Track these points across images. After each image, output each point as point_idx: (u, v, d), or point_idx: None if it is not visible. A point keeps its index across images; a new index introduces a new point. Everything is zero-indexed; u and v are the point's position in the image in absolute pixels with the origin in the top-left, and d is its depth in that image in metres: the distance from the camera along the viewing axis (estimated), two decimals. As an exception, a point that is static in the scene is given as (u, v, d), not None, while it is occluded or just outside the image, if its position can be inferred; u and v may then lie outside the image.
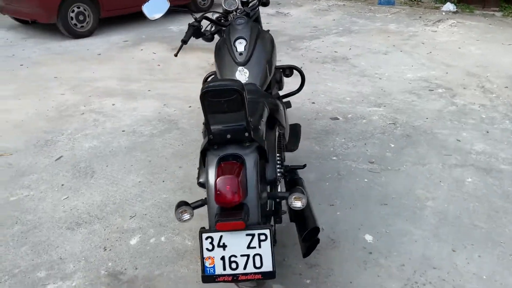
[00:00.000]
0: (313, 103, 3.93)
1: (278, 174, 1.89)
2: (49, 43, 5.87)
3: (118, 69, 4.88)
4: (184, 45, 2.31)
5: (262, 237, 1.46)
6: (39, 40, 6.02)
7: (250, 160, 1.53)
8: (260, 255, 1.46)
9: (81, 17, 6.09)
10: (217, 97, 1.44)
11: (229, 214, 1.43)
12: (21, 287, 1.92)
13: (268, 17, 7.46)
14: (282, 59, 5.22)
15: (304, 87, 2.83)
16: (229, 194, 1.39)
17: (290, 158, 2.82)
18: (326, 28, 6.71)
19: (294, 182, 2.08)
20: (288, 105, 2.97)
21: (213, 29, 2.49)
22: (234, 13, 2.49)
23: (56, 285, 1.93)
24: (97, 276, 1.98)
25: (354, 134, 3.34)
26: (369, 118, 3.61)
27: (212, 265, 1.45)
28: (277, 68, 2.66)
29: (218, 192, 1.40)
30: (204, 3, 7.98)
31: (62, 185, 2.68)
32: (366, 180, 2.75)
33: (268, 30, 2.84)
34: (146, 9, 2.17)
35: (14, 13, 6.19)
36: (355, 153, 3.06)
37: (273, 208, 1.77)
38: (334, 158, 3.01)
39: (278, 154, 1.93)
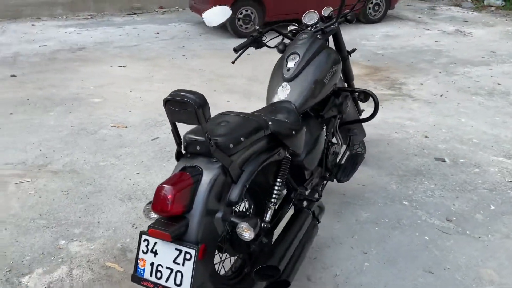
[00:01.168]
0: (426, 137, 3.43)
1: (272, 200, 1.79)
2: (215, 40, 6.59)
3: (251, 69, 5.14)
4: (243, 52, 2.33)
5: (187, 256, 1.42)
6: (210, 36, 6.81)
7: (207, 176, 1.49)
8: (182, 273, 1.42)
9: (247, 20, 6.62)
10: (176, 107, 1.45)
11: (163, 222, 1.44)
12: (57, 236, 2.30)
13: (442, 35, 6.74)
14: (427, 82, 4.69)
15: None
16: (160, 203, 1.40)
17: (348, 187, 2.57)
18: (506, 55, 5.68)
19: (298, 212, 1.93)
20: (360, 132, 2.69)
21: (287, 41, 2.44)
22: (310, 28, 2.38)
23: (80, 244, 2.25)
24: (112, 246, 2.23)
25: (451, 183, 2.80)
26: (484, 169, 2.97)
27: (143, 267, 1.49)
28: (343, 90, 2.45)
29: (154, 199, 1.42)
30: (375, 15, 7.70)
31: (142, 162, 3.06)
32: (426, 238, 2.30)
33: (353, 50, 2.63)
34: (206, 15, 2.27)
35: (197, 11, 7.15)
36: (436, 205, 2.58)
37: (229, 232, 1.67)
38: (406, 203, 2.60)
39: (279, 180, 1.82)
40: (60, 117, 3.79)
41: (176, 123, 1.52)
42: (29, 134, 3.44)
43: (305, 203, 2.05)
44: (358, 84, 4.65)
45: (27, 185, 2.75)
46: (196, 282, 1.44)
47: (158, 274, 1.45)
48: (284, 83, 2.13)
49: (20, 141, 3.33)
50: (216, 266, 1.84)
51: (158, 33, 6.84)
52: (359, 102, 2.74)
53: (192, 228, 1.45)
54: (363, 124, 2.81)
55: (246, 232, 1.47)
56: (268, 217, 1.80)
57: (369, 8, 7.60)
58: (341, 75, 2.69)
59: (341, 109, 2.34)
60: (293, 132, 1.85)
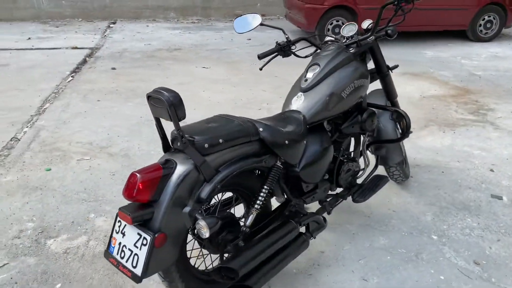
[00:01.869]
0: (492, 170, 3.07)
1: (255, 206, 1.81)
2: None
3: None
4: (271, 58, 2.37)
5: (144, 241, 1.52)
6: (298, 46, 6.87)
7: (179, 170, 1.57)
8: (138, 257, 1.53)
9: (336, 30, 6.56)
10: (155, 103, 1.56)
11: (132, 207, 1.56)
12: (90, 210, 2.59)
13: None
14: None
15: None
16: (128, 190, 1.52)
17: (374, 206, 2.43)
18: None
19: (283, 223, 1.91)
20: (394, 154, 2.51)
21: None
22: (345, 40, 2.33)
23: (105, 219, 2.50)
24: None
25: (498, 224, 2.48)
26: (549, 215, 2.56)
27: (114, 246, 1.63)
28: (373, 106, 2.34)
29: (125, 185, 1.55)
30: (486, 33, 7.00)
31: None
32: (442, 277, 2.08)
33: (395, 66, 2.49)
34: (236, 22, 2.35)
35: (291, 20, 7.27)
36: (469, 244, 2.31)
37: (191, 227, 1.72)
38: (434, 237, 2.38)
39: (265, 187, 1.83)
40: (136, 108, 4.20)
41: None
42: (105, 119, 3.90)
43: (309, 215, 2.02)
44: (438, 106, 4.32)
45: (85, 163, 3.13)
46: (152, 268, 1.54)
47: (122, 254, 1.58)
48: (300, 93, 2.12)
49: (96, 124, 3.79)
50: (199, 261, 1.93)
51: (250, 39, 7.12)
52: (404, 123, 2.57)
53: (156, 217, 1.54)
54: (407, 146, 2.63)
55: (202, 230, 1.52)
56: (249, 221, 1.82)
57: (480, 25, 6.95)
58: (384, 92, 2.57)
59: (365, 126, 2.23)
60: (286, 141, 1.84)
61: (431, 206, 2.66)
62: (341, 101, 2.10)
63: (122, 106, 4.23)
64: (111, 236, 1.65)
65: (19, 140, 3.48)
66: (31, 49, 6.41)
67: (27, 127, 3.73)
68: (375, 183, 2.40)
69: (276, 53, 2.36)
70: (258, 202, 1.83)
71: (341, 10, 6.52)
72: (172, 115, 1.50)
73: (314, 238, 2.08)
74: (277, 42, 2.35)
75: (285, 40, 2.36)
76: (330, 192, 2.28)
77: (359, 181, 2.42)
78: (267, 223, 1.95)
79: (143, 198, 1.53)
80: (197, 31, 7.88)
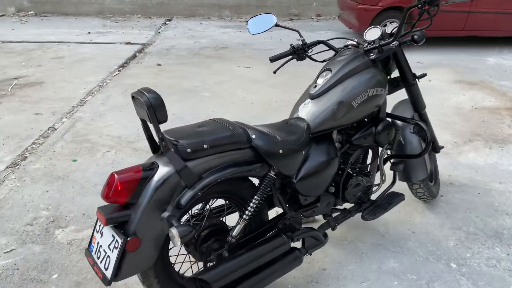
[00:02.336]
0: (537, 196, 2.73)
1: (244, 217, 1.73)
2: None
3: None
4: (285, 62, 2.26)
5: (116, 244, 1.49)
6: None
7: (159, 174, 1.53)
8: (110, 259, 1.50)
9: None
10: (138, 103, 1.52)
11: (110, 208, 1.53)
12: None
13: None
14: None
15: None
16: (105, 190, 1.50)
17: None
18: None
19: (273, 236, 1.81)
20: (417, 170, 2.30)
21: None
22: (366, 44, 2.17)
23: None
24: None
25: (533, 258, 2.19)
26: None
27: (93, 245, 1.63)
28: (392, 117, 2.16)
29: (104, 185, 1.53)
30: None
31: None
32: (452, 313, 1.87)
33: (422, 75, 2.29)
34: (250, 23, 2.27)
35: (343, 21, 7.03)
36: (492, 278, 2.06)
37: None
38: (453, 265, 2.15)
39: (256, 198, 1.74)
40: (170, 104, 4.23)
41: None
42: (138, 115, 3.98)
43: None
44: (490, 119, 3.95)
45: (110, 156, 3.21)
46: (124, 272, 1.52)
47: (98, 254, 1.57)
48: (308, 100, 2.01)
49: (128, 119, 3.88)
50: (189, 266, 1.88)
51: (302, 38, 6.97)
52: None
53: (133, 220, 1.52)
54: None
55: (174, 239, 1.46)
56: (235, 232, 1.75)
57: None
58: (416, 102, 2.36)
59: (379, 139, 2.06)
60: (280, 151, 1.73)
61: (457, 231, 2.41)
62: (351, 110, 1.95)
63: (158, 102, 4.30)
64: (92, 235, 1.64)
65: (56, 129, 3.65)
66: (88, 43, 6.74)
67: (66, 117, 3.91)
68: (389, 200, 2.22)
69: (291, 57, 2.25)
70: (247, 212, 1.75)
71: (396, 12, 6.18)
72: (151, 117, 1.46)
73: (310, 254, 1.95)
74: (291, 44, 2.24)
75: (301, 42, 2.25)
76: (338, 207, 2.14)
77: (374, 197, 2.25)
78: (257, 234, 1.86)
79: (120, 200, 1.51)
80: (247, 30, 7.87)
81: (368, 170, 2.17)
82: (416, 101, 2.36)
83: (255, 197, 1.75)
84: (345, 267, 2.14)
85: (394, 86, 2.28)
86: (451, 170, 3.06)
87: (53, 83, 4.82)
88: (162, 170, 1.55)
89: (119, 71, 5.33)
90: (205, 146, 1.58)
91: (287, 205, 1.89)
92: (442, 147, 2.67)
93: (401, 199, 2.25)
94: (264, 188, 1.76)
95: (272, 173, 1.77)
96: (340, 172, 2.04)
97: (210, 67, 5.54)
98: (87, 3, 9.05)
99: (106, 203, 1.54)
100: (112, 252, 1.50)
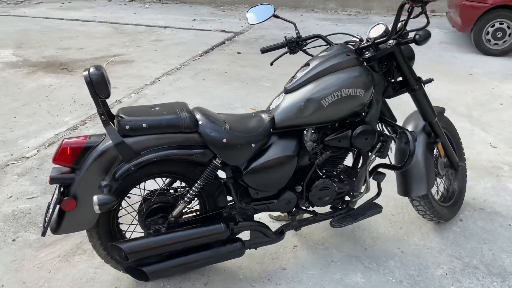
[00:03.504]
0: None
1: (185, 199, 1.82)
2: (449, 53, 5.80)
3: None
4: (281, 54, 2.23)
5: (54, 201, 1.67)
6: (449, 48, 6.03)
7: (101, 145, 1.68)
8: (48, 214, 1.67)
9: (499, 34, 5.48)
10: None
11: (56, 169, 1.71)
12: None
13: None
14: None
15: None
16: (54, 153, 1.70)
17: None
18: None
19: (209, 222, 1.84)
20: (417, 185, 2.07)
21: None
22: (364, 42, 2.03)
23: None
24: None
25: (533, 309, 1.83)
26: None
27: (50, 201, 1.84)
28: (386, 122, 1.99)
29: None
30: None
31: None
32: None
33: (429, 80, 2.06)
34: (250, 13, 2.25)
35: (449, 19, 6.36)
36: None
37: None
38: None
39: (198, 182, 1.80)
40: (227, 91, 4.43)
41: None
42: (195, 96, 4.23)
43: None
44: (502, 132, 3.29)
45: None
46: (63, 228, 1.72)
47: (47, 209, 1.76)
48: (282, 94, 1.97)
49: (185, 99, 4.13)
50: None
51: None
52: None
53: (74, 183, 1.70)
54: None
55: (93, 205, 1.59)
56: (175, 212, 1.84)
57: None
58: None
59: (356, 143, 1.91)
60: (224, 140, 1.75)
61: (455, 260, 2.13)
62: (320, 109, 1.85)
63: (218, 88, 4.51)
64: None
65: (121, 102, 4.10)
66: (189, 29, 7.28)
67: (134, 93, 4.36)
68: (363, 211, 2.06)
69: (285, 49, 2.21)
70: (188, 195, 1.82)
71: (507, 11, 5.40)
72: (91, 92, 1.61)
73: (255, 249, 1.94)
74: (285, 37, 2.20)
75: (295, 35, 2.18)
76: (309, 208, 2.06)
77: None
78: (202, 218, 1.90)
79: (65, 164, 1.70)
80: (344, 24, 7.64)
81: (346, 175, 2.03)
82: (423, 109, 2.12)
83: (198, 181, 1.80)
84: (305, 271, 2.06)
85: (395, 90, 2.08)
86: (490, 195, 2.66)
87: (141, 63, 5.37)
88: (104, 142, 1.70)
89: (200, 56, 5.69)
90: (144, 125, 1.69)
91: (238, 196, 1.90)
92: (462, 165, 2.35)
93: (377, 212, 2.08)
94: (207, 174, 1.80)
95: (217, 161, 1.79)
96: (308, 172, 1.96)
97: (286, 58, 5.55)
98: (200, -9, 9.72)
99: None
100: (52, 208, 1.70)
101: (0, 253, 2.17)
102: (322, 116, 1.88)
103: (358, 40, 2.11)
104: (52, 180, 1.70)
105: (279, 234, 1.98)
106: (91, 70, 1.61)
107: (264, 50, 2.21)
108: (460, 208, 2.46)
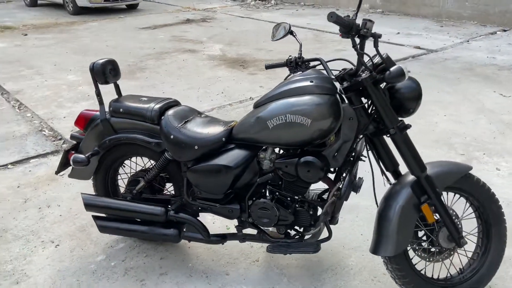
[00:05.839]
0: None
1: (145, 178, 2.16)
2: None
3: None
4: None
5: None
6: None
7: (98, 118, 2.19)
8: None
9: None
10: None
11: (78, 131, 2.33)
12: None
13: None
14: None
15: None
16: None
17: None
18: None
19: (161, 205, 2.10)
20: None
21: None
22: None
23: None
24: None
25: None
26: None
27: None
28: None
29: None
30: None
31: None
32: None
33: (407, 126, 1.75)
34: (273, 29, 2.25)
35: None
36: None
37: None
38: None
39: (154, 168, 2.12)
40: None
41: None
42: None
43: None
44: None
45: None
46: (71, 174, 2.32)
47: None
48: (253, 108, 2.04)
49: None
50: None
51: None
52: None
53: (81, 143, 2.27)
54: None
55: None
56: (138, 187, 2.21)
57: None
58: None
59: (298, 173, 1.82)
60: (171, 136, 1.97)
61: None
62: (265, 129, 1.85)
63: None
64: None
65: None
66: (381, 42, 7.09)
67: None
68: (298, 246, 1.90)
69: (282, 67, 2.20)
70: (146, 176, 2.14)
71: None
72: (92, 77, 2.13)
73: (188, 241, 2.08)
74: (290, 56, 2.19)
75: (297, 55, 2.14)
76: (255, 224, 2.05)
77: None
78: (158, 199, 2.19)
79: (80, 128, 2.30)
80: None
81: (301, 205, 1.93)
82: (403, 159, 1.80)
83: (153, 168, 2.11)
84: (242, 285, 2.07)
85: (377, 130, 1.82)
86: None
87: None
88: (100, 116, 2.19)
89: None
90: (121, 110, 2.11)
91: (188, 190, 2.09)
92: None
93: (309, 251, 1.89)
94: (159, 163, 2.09)
95: (168, 154, 2.05)
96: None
97: (454, 85, 4.86)
98: (428, 5, 9.11)
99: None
100: (62, 155, 2.31)
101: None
102: (268, 136, 1.86)
103: (353, 67, 1.92)
104: (71, 137, 2.33)
105: (220, 238, 2.07)
106: (96, 62, 2.12)
107: (268, 66, 2.25)
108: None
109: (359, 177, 1.92)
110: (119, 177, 2.40)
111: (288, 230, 2.01)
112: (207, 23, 9.17)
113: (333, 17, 1.64)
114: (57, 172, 2.35)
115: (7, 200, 2.83)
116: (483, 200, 1.91)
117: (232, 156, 1.95)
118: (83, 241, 2.42)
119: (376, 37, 1.74)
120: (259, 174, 1.96)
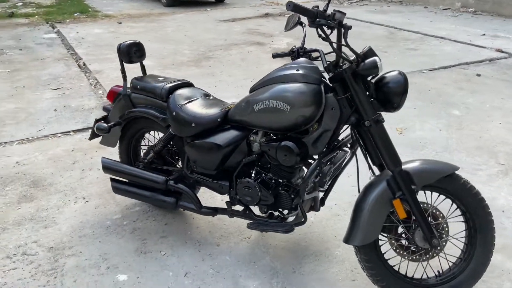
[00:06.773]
0: None
1: (154, 149, 2.41)
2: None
3: None
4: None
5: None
6: None
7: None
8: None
9: None
10: None
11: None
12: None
13: None
14: None
15: None
16: None
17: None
18: None
19: (163, 174, 2.34)
20: None
21: None
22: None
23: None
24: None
25: None
26: None
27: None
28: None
29: None
30: None
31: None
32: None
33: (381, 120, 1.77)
34: (286, 21, 2.31)
35: None
36: None
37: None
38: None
39: (158, 141, 2.36)
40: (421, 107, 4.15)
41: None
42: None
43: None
44: None
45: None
46: (101, 141, 2.66)
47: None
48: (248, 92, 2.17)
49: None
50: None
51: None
52: None
53: (109, 114, 2.60)
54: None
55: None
56: (148, 157, 2.47)
57: None
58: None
59: (277, 157, 1.92)
60: (174, 113, 2.19)
61: None
62: (252, 113, 1.98)
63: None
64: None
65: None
66: (461, 42, 6.60)
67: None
68: (273, 225, 2.01)
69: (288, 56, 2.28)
70: (155, 148, 2.39)
71: None
72: (119, 58, 2.42)
73: (182, 210, 2.27)
74: (294, 45, 2.26)
75: (301, 45, 2.21)
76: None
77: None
78: (164, 170, 2.43)
79: (110, 101, 2.62)
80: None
81: (285, 189, 2.02)
82: (379, 152, 1.81)
83: (159, 141, 2.36)
84: (227, 256, 2.24)
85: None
86: None
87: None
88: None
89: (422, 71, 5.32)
90: (138, 87, 2.38)
91: (187, 163, 2.28)
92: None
93: (282, 230, 1.99)
94: (164, 137, 2.32)
95: (172, 129, 2.26)
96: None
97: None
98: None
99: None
100: (93, 124, 2.65)
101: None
102: (254, 119, 1.99)
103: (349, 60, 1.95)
104: (103, 108, 2.67)
105: (211, 210, 2.24)
106: (123, 43, 2.41)
107: (275, 55, 2.35)
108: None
109: (334, 166, 1.96)
110: (142, 148, 2.69)
111: (272, 212, 2.12)
112: (284, 17, 9.30)
113: (290, 6, 1.67)
114: (90, 139, 2.71)
115: (60, 160, 3.29)
116: (468, 204, 1.84)
117: (224, 136, 2.11)
118: (107, 201, 2.75)
119: (346, 29, 1.76)
120: (247, 155, 2.09)
